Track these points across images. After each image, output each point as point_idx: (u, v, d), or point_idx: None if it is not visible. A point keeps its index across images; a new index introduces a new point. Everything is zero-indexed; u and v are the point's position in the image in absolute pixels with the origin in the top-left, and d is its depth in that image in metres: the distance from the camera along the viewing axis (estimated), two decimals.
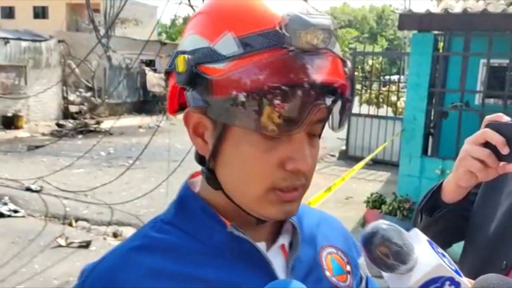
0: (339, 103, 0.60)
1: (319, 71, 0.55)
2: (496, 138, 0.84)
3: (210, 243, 0.64)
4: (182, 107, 0.66)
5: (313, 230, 0.73)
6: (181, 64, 0.58)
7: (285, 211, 0.62)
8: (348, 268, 0.74)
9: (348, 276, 0.73)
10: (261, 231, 0.67)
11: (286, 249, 0.68)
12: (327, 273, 0.70)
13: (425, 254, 0.60)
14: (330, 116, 0.61)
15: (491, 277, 0.60)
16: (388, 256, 0.59)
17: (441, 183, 1.00)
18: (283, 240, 0.68)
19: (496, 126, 0.84)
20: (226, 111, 0.56)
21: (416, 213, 1.08)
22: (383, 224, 0.61)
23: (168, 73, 0.65)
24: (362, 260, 0.78)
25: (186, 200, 0.68)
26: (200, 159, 0.66)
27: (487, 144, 0.85)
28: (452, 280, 0.59)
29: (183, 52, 0.60)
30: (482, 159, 0.86)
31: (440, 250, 0.63)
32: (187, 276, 0.61)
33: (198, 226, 0.65)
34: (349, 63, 0.60)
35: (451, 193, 0.96)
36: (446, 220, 0.99)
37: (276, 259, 0.66)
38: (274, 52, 0.54)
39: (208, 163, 0.63)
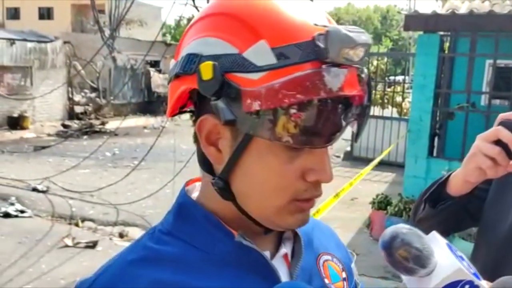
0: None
1: (350, 86, 0.55)
2: (508, 136, 0.85)
3: (214, 252, 0.61)
4: (181, 111, 0.65)
5: (310, 237, 0.71)
6: (207, 71, 0.54)
7: (302, 220, 0.62)
8: (344, 275, 0.73)
9: (344, 283, 0.72)
10: (265, 240, 0.65)
11: (289, 258, 0.67)
12: (326, 281, 0.69)
13: (445, 258, 0.61)
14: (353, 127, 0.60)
15: (510, 280, 0.60)
16: (408, 260, 0.59)
17: (448, 175, 1.01)
18: (285, 248, 0.67)
19: (509, 125, 0.85)
20: (257, 124, 0.54)
21: (418, 202, 1.09)
22: (403, 228, 0.61)
23: (175, 75, 0.60)
24: (353, 265, 0.78)
25: (186, 208, 0.65)
26: (207, 167, 0.62)
27: (498, 142, 0.86)
28: (471, 284, 0.59)
29: (197, 56, 0.57)
30: (492, 156, 0.86)
31: (459, 253, 0.63)
32: (186, 286, 0.59)
33: (200, 235, 0.62)
34: (362, 69, 0.59)
35: (457, 187, 0.97)
36: (448, 211, 1.00)
37: (280, 268, 0.64)
38: (310, 65, 0.53)
39: (222, 173, 0.60)
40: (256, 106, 0.53)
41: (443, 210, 1.00)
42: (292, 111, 0.52)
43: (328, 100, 0.53)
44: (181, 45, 0.62)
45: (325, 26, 0.55)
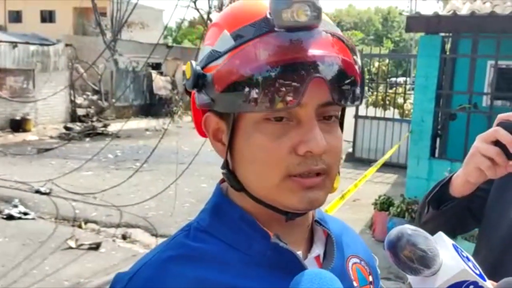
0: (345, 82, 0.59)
1: (310, 47, 0.56)
2: (507, 137, 0.85)
3: (249, 252, 0.62)
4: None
5: (339, 239, 0.71)
6: (188, 71, 0.62)
7: (309, 200, 0.60)
8: (370, 278, 0.74)
9: (371, 286, 0.73)
10: (298, 241, 0.67)
11: (320, 259, 0.68)
12: (355, 284, 0.70)
13: (450, 259, 0.61)
14: (338, 95, 0.58)
15: None
16: (413, 261, 0.60)
17: (450, 177, 1.02)
18: (318, 249, 0.68)
19: (507, 125, 0.86)
20: (227, 100, 0.58)
21: (422, 205, 1.09)
22: (408, 229, 0.62)
23: (188, 92, 0.67)
24: (377, 269, 0.79)
25: (221, 207, 0.67)
26: (226, 166, 0.66)
27: (497, 143, 0.87)
28: (476, 284, 0.60)
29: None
30: (491, 157, 0.87)
31: (465, 254, 0.64)
32: (228, 286, 0.60)
33: (237, 235, 0.63)
34: (348, 40, 0.60)
35: (459, 187, 0.98)
36: (451, 213, 1.01)
37: (312, 268, 0.63)
38: (263, 36, 0.57)
39: (227, 164, 0.64)
40: (222, 84, 0.58)
41: (446, 212, 1.01)
42: (252, 79, 0.56)
43: (285, 62, 0.55)
44: None
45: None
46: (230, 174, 0.64)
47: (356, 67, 0.60)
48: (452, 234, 1.05)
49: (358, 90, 0.60)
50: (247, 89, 0.56)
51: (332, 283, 0.54)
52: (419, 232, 0.62)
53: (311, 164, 0.59)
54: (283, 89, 0.55)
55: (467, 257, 0.64)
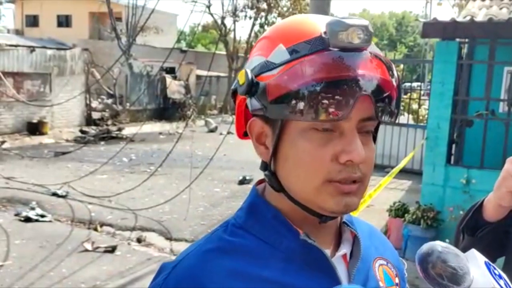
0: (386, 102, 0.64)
1: (359, 67, 0.61)
2: None
3: (280, 248, 0.68)
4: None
5: (367, 240, 0.75)
6: (241, 78, 0.67)
7: (345, 204, 0.65)
8: (397, 280, 0.76)
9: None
10: (327, 240, 0.71)
11: (347, 258, 0.72)
12: (381, 284, 0.73)
13: (481, 276, 0.62)
14: (379, 111, 0.64)
15: None
16: (443, 278, 0.61)
17: (482, 201, 1.00)
18: (345, 249, 0.72)
19: None
20: (280, 109, 0.63)
21: (457, 232, 1.06)
22: (439, 245, 0.63)
23: (234, 94, 0.72)
24: (405, 272, 0.81)
25: (257, 206, 0.72)
26: (264, 167, 0.71)
27: None
28: None
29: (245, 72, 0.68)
30: None
31: (498, 272, 0.65)
32: (261, 278, 0.65)
33: (269, 232, 0.69)
34: (389, 62, 0.66)
35: (492, 212, 0.95)
36: (489, 238, 0.98)
37: (339, 267, 0.69)
38: (317, 53, 0.62)
39: (269, 166, 0.69)
40: (276, 94, 0.63)
41: (483, 238, 0.98)
42: (304, 91, 0.61)
43: (337, 80, 0.60)
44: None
45: (329, 21, 0.64)
46: (272, 175, 0.69)
47: (395, 87, 0.65)
48: (492, 259, 1.05)
49: (395, 108, 0.66)
50: (300, 101, 0.61)
51: None
52: (450, 250, 0.63)
53: (350, 172, 0.64)
54: (333, 102, 0.61)
55: (499, 275, 0.64)
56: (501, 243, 1.01)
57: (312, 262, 0.67)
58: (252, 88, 0.65)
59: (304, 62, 0.62)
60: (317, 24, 0.66)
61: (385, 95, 0.64)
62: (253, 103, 0.66)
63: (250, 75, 0.65)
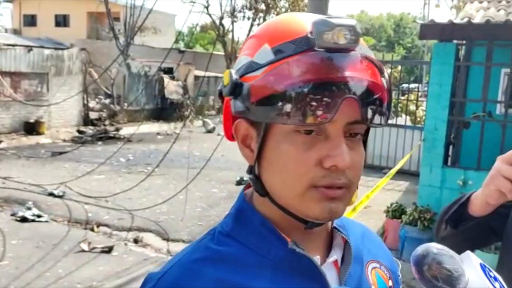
0: (376, 104, 0.62)
1: (346, 68, 0.59)
2: None
3: (268, 257, 0.66)
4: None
5: (359, 243, 0.74)
6: (226, 78, 0.65)
7: (330, 211, 0.63)
8: (390, 283, 0.75)
9: None
10: (317, 246, 0.69)
11: (339, 264, 0.70)
12: None
13: (476, 278, 0.62)
14: (367, 114, 0.61)
15: None
16: (437, 279, 0.61)
17: (469, 196, 1.01)
18: (336, 254, 0.70)
19: None
20: (263, 111, 0.61)
21: (439, 222, 1.08)
22: (434, 247, 0.63)
23: (221, 94, 0.69)
24: (399, 273, 0.80)
25: (244, 212, 0.70)
26: (250, 171, 0.69)
27: None
28: None
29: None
30: None
31: (493, 273, 0.65)
32: (246, 287, 0.63)
33: (257, 240, 0.67)
34: (380, 64, 0.63)
35: (479, 208, 0.97)
36: (471, 231, 1.00)
37: (330, 273, 0.68)
38: (303, 54, 0.60)
39: (253, 169, 0.67)
40: (259, 95, 0.61)
41: (465, 231, 1.00)
42: (288, 93, 0.58)
43: (322, 81, 0.58)
44: None
45: (315, 20, 0.62)
46: (257, 179, 0.67)
47: (386, 90, 0.63)
48: (471, 250, 1.05)
49: (385, 112, 0.63)
50: (283, 103, 0.59)
51: None
52: (445, 251, 0.63)
53: (335, 178, 0.62)
54: (318, 105, 0.58)
55: (494, 277, 0.64)
56: (482, 236, 1.03)
57: (301, 270, 0.65)
58: (236, 89, 0.63)
59: (288, 62, 0.59)
60: (304, 23, 0.63)
61: (374, 97, 0.61)
62: (237, 105, 0.64)
63: (234, 76, 0.64)
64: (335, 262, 0.70)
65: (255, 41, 0.67)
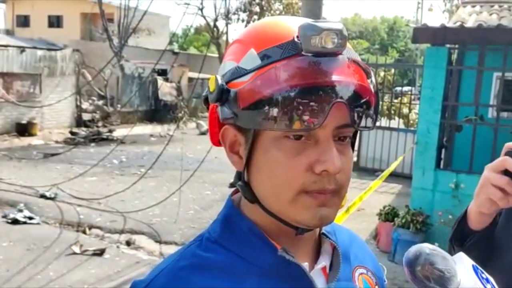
0: (364, 107, 0.61)
1: (334, 72, 0.58)
2: None
3: (257, 263, 0.65)
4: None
5: (347, 249, 0.74)
6: (212, 84, 0.64)
7: (320, 217, 0.63)
8: None
9: None
10: (304, 251, 0.69)
11: (327, 270, 0.70)
12: None
13: (468, 279, 0.62)
14: (356, 118, 0.61)
15: None
16: (429, 280, 0.61)
17: (465, 210, 0.99)
18: (324, 261, 0.70)
19: None
20: (252, 117, 0.60)
21: (449, 247, 1.05)
22: (427, 248, 0.63)
23: (206, 100, 0.68)
24: (385, 278, 0.81)
25: (232, 218, 0.69)
26: (238, 177, 0.68)
27: (507, 172, 0.86)
28: None
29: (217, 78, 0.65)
30: (501, 187, 0.86)
31: (485, 275, 0.65)
32: None
33: (245, 246, 0.66)
34: (366, 67, 0.62)
35: (476, 219, 0.95)
36: (479, 246, 0.98)
37: (318, 280, 0.67)
38: (290, 59, 0.59)
39: (242, 175, 0.66)
40: (247, 101, 0.60)
41: (472, 247, 0.98)
42: (276, 99, 0.58)
43: (311, 86, 0.58)
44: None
45: (301, 24, 0.61)
46: (246, 186, 0.66)
47: (373, 93, 0.63)
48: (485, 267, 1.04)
49: (372, 115, 0.63)
50: (272, 109, 0.58)
51: None
52: (438, 252, 0.63)
53: (326, 183, 0.62)
54: (306, 110, 0.58)
55: (486, 279, 0.64)
56: (492, 250, 1.00)
57: (289, 277, 0.65)
58: (222, 95, 0.63)
59: (276, 68, 0.59)
60: (289, 27, 0.63)
61: (362, 101, 0.61)
62: (224, 111, 0.64)
63: (220, 82, 0.63)
64: (324, 268, 0.70)
65: (240, 46, 0.66)
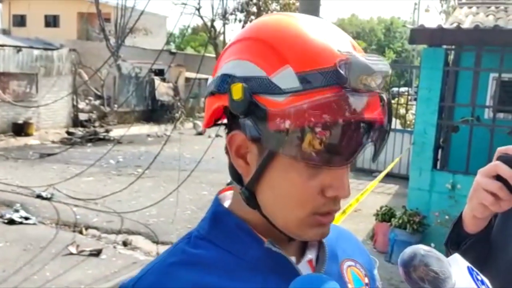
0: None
1: (371, 110, 0.59)
2: (507, 172, 0.84)
3: (245, 258, 0.66)
4: (215, 123, 0.70)
5: (333, 244, 0.75)
6: (237, 92, 0.59)
7: (322, 233, 0.67)
8: (366, 280, 0.77)
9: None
10: (292, 246, 0.71)
11: (313, 263, 0.71)
12: (349, 286, 0.73)
13: (463, 281, 0.62)
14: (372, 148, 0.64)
15: None
16: (424, 281, 0.61)
17: (460, 215, 1.00)
18: (310, 254, 0.72)
19: (507, 159, 0.85)
20: (281, 142, 0.58)
21: (446, 252, 1.06)
22: (422, 249, 0.63)
23: (211, 92, 0.66)
24: (376, 271, 0.82)
25: (219, 216, 0.70)
26: (236, 177, 0.67)
27: (499, 177, 0.86)
28: None
29: (230, 76, 0.62)
30: (494, 192, 0.86)
31: (480, 277, 0.65)
32: None
33: (233, 241, 0.67)
34: (389, 100, 0.63)
35: (470, 223, 0.96)
36: (475, 249, 0.98)
37: (305, 272, 0.69)
38: (331, 90, 0.57)
39: (248, 184, 0.65)
40: (283, 125, 0.58)
41: (468, 250, 0.98)
42: (316, 130, 0.57)
43: (349, 122, 0.58)
44: (218, 64, 0.68)
45: (348, 53, 0.59)
46: (250, 194, 0.65)
47: (390, 125, 0.64)
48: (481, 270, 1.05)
49: (385, 142, 0.65)
50: (306, 140, 0.57)
51: (328, 284, 0.58)
52: (433, 253, 0.63)
53: (332, 205, 0.65)
54: (341, 148, 0.59)
55: (482, 281, 0.64)
56: (488, 252, 1.01)
57: (277, 270, 0.66)
58: (250, 109, 0.59)
59: (317, 99, 0.57)
60: (328, 45, 0.60)
61: (382, 138, 0.63)
62: (248, 124, 0.60)
63: (249, 94, 0.59)
64: (310, 261, 0.71)
65: (265, 51, 0.61)
